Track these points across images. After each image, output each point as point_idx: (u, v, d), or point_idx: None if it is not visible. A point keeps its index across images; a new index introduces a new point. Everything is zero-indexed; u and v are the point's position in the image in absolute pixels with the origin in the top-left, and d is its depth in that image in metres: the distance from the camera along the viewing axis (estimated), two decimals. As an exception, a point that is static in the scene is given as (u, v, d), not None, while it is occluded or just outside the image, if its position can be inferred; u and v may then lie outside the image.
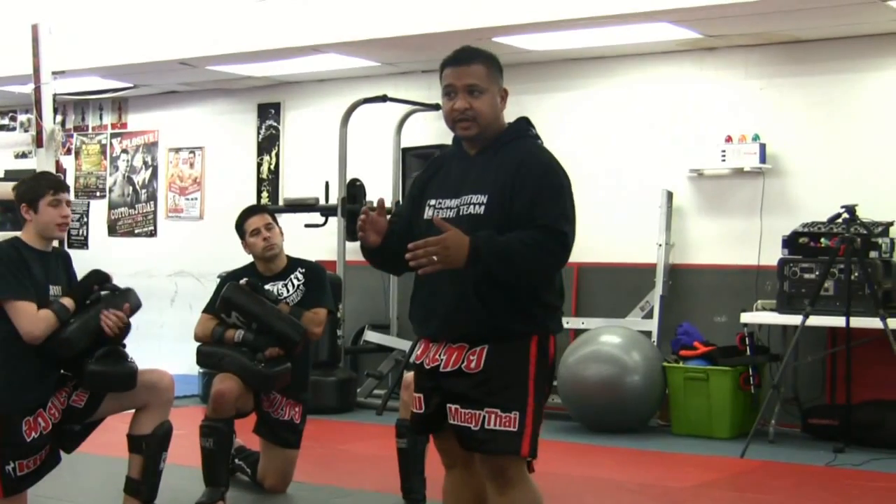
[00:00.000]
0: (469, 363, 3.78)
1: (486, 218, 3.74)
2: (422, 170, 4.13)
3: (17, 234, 4.98)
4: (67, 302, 5.01)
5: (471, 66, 3.88)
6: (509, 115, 3.94)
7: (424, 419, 3.96)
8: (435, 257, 3.62)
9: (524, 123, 4.02)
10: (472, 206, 3.79)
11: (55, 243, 5.26)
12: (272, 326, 5.85)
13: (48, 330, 4.91)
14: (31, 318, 4.88)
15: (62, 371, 5.06)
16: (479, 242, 3.65)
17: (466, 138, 3.91)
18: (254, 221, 6.15)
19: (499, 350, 3.77)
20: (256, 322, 5.87)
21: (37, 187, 5.13)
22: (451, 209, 3.82)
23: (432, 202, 3.89)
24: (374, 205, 3.92)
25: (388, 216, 3.95)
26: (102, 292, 5.14)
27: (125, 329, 5.14)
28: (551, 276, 3.89)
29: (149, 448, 5.18)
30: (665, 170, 9.03)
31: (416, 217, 3.93)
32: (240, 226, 6.20)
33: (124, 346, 5.18)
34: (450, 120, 3.90)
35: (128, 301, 5.17)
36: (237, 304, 5.89)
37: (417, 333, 4.01)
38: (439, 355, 3.84)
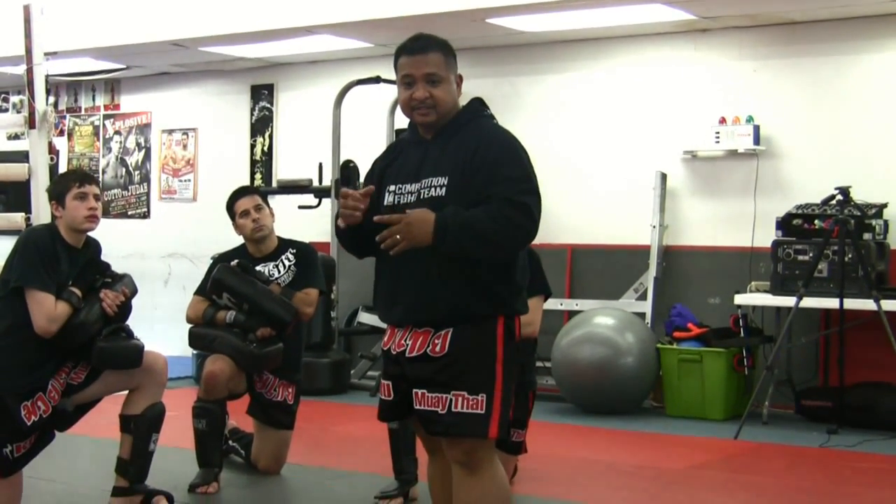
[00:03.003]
0: (434, 347, 3.77)
1: (447, 200, 3.73)
2: (379, 156, 4.11)
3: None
4: (76, 291, 5.04)
5: (428, 54, 3.86)
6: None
7: (392, 406, 3.94)
8: (399, 235, 3.63)
9: (478, 104, 4.00)
10: (432, 189, 3.79)
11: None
12: (263, 307, 5.84)
13: (62, 323, 4.94)
14: (49, 313, 4.91)
15: (64, 353, 5.06)
16: (445, 217, 3.65)
17: (423, 125, 3.90)
18: (243, 203, 6.14)
19: (464, 333, 3.76)
20: (247, 303, 5.86)
21: (62, 182, 5.22)
22: (412, 193, 3.82)
23: (392, 188, 3.89)
24: (362, 189, 3.89)
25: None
26: (105, 280, 5.19)
27: (125, 308, 5.18)
28: (520, 250, 3.86)
29: (138, 428, 5.18)
30: (659, 151, 9.02)
31: (376, 202, 3.91)
32: (230, 207, 6.19)
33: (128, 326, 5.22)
34: (408, 108, 3.88)
35: (125, 286, 5.21)
36: (228, 286, 5.89)
37: (382, 318, 4.00)
38: (405, 340, 3.83)
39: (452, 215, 3.66)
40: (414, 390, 3.80)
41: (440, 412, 3.73)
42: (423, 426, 3.84)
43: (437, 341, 3.77)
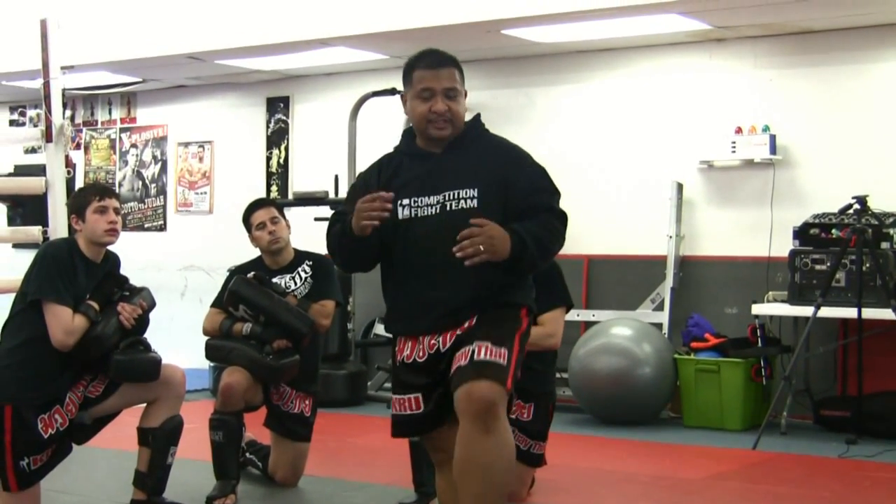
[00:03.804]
0: (463, 328, 3.85)
1: (480, 211, 3.79)
2: (372, 170, 4.11)
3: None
4: (94, 304, 5.04)
5: (446, 69, 3.94)
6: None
7: (423, 418, 3.94)
8: (482, 247, 3.70)
9: (480, 119, 4.11)
10: (462, 201, 3.84)
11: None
12: (280, 319, 5.85)
13: (79, 337, 4.94)
14: (66, 326, 4.91)
15: (81, 365, 5.06)
16: (520, 232, 3.76)
17: (439, 139, 3.95)
18: (259, 215, 6.15)
19: (490, 311, 3.87)
20: (264, 315, 5.86)
21: (82, 196, 5.22)
22: (433, 206, 3.86)
23: (406, 202, 3.91)
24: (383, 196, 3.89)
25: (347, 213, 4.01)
26: (123, 293, 5.20)
27: (142, 321, 5.18)
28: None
29: (156, 441, 5.18)
30: (675, 161, 9.01)
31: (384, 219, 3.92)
32: (246, 219, 6.20)
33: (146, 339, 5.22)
34: (424, 121, 3.93)
35: (142, 299, 5.22)
36: (244, 298, 5.89)
37: (405, 331, 4.01)
38: (435, 340, 3.89)
39: (525, 231, 3.78)
40: (454, 357, 3.82)
41: (463, 363, 3.76)
42: (452, 383, 3.80)
43: (465, 324, 3.85)
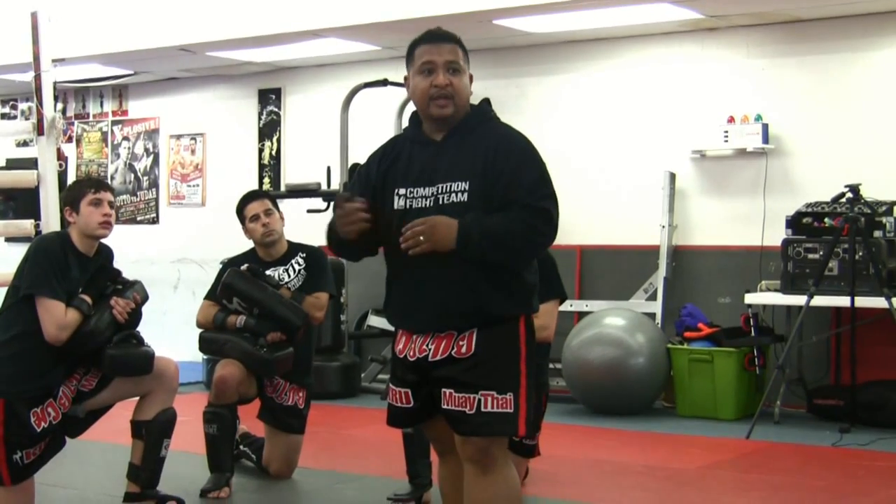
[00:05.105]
0: (459, 349, 3.75)
1: (470, 205, 3.72)
2: (375, 156, 4.01)
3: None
4: (87, 298, 5.03)
5: (447, 44, 3.87)
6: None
7: (412, 413, 3.92)
8: (422, 237, 3.64)
9: (487, 105, 4.01)
10: (453, 195, 3.75)
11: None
12: (274, 311, 5.84)
13: (72, 331, 4.93)
14: (59, 321, 4.90)
15: (74, 359, 5.05)
16: (468, 223, 3.65)
17: (440, 118, 3.83)
18: (253, 207, 6.13)
19: (489, 333, 3.76)
20: (258, 307, 5.86)
21: (77, 188, 5.20)
22: (428, 198, 3.77)
23: (402, 191, 3.83)
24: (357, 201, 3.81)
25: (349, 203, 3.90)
26: (116, 287, 5.19)
27: (135, 315, 5.17)
28: (538, 254, 3.90)
29: (149, 434, 5.18)
30: (667, 151, 9.01)
31: (381, 206, 3.86)
32: (240, 211, 6.19)
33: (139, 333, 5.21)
34: (426, 97, 3.82)
35: (136, 292, 5.21)
36: (238, 290, 5.89)
37: (397, 326, 3.97)
38: (426, 345, 3.80)
39: (475, 222, 3.67)
40: (442, 390, 3.77)
41: (468, 412, 3.71)
42: (452, 425, 3.79)
43: (461, 343, 3.76)
